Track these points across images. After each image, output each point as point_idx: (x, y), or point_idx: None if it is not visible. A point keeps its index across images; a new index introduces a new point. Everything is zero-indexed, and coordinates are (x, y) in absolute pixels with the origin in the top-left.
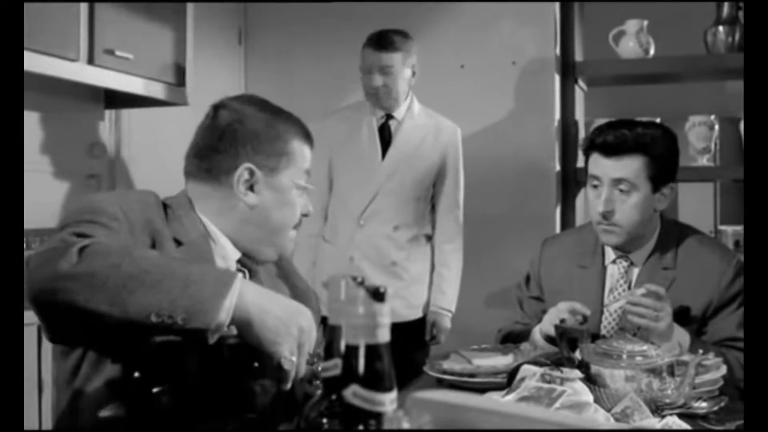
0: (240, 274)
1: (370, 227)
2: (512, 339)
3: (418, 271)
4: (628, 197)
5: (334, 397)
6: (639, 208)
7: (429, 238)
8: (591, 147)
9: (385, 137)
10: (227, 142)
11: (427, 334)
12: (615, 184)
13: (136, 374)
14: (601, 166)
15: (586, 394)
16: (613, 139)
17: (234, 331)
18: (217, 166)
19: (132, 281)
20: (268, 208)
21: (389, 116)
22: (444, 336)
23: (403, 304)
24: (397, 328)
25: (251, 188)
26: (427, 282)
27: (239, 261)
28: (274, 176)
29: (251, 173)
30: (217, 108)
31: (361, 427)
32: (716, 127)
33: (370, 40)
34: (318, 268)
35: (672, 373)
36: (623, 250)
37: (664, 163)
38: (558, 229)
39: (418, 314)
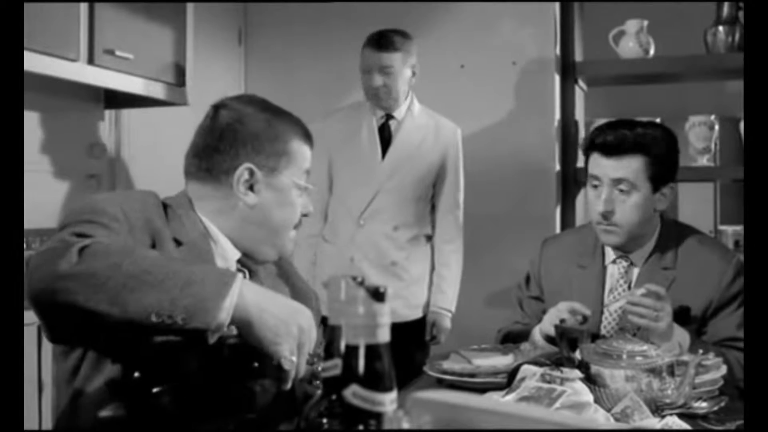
0: (240, 274)
1: (370, 227)
2: (512, 339)
3: (418, 271)
4: (628, 197)
5: (334, 397)
6: (639, 208)
7: (429, 238)
8: (591, 147)
9: (385, 137)
10: (227, 142)
11: (427, 334)
12: (615, 184)
13: (137, 374)
14: (601, 166)
15: (586, 394)
16: (613, 139)
17: (234, 331)
18: (217, 166)
19: (132, 281)
20: (268, 208)
21: (389, 116)
22: (444, 336)
23: (403, 304)
24: (397, 328)
25: (251, 188)
26: (427, 282)
27: (239, 261)
28: (274, 176)
29: (251, 173)
30: (217, 108)
31: (361, 427)
32: (716, 127)
33: (370, 40)
34: (318, 268)
35: (672, 373)
36: (623, 250)
37: (664, 163)
38: (558, 229)
39: (418, 314)
